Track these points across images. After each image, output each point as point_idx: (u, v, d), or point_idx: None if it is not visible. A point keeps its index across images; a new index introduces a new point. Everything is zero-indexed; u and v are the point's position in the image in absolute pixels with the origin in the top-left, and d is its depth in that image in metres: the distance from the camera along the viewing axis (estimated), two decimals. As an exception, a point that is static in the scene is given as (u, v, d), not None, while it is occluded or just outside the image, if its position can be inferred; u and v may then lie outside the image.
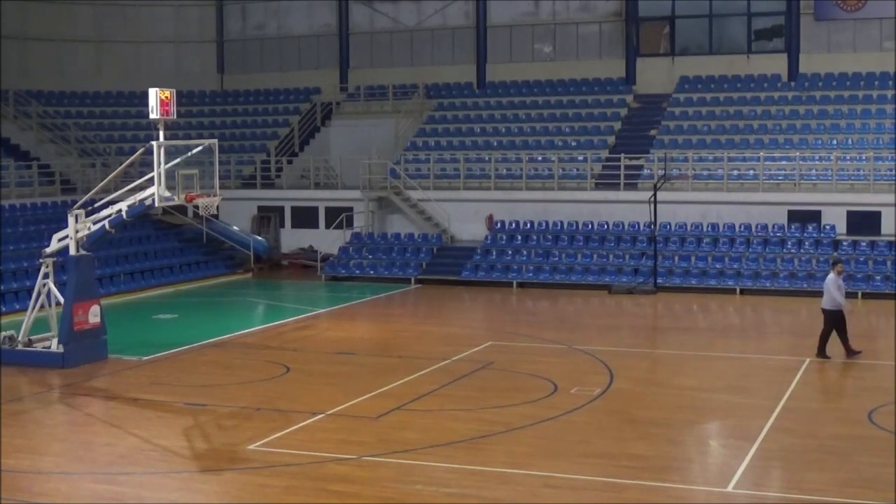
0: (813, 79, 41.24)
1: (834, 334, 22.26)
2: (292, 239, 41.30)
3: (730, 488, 14.14)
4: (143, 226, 37.85)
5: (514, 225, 37.69)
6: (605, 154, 39.75)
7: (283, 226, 41.46)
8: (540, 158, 39.82)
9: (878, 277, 32.36)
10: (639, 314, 30.11)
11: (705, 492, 14.21)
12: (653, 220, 34.28)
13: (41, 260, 23.74)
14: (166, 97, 22.24)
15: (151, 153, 22.29)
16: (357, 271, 37.54)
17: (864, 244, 33.75)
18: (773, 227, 35.08)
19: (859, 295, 31.54)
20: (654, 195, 34.01)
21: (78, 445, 16.97)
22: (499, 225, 37.97)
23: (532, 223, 37.49)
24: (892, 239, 33.62)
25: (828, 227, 34.67)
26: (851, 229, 34.72)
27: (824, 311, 22.38)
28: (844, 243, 34.01)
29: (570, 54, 44.97)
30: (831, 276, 22.45)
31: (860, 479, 14.38)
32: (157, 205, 22.92)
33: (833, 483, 14.22)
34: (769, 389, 19.80)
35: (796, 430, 16.94)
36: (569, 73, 44.52)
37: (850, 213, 34.87)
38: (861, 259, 33.18)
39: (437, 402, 19.21)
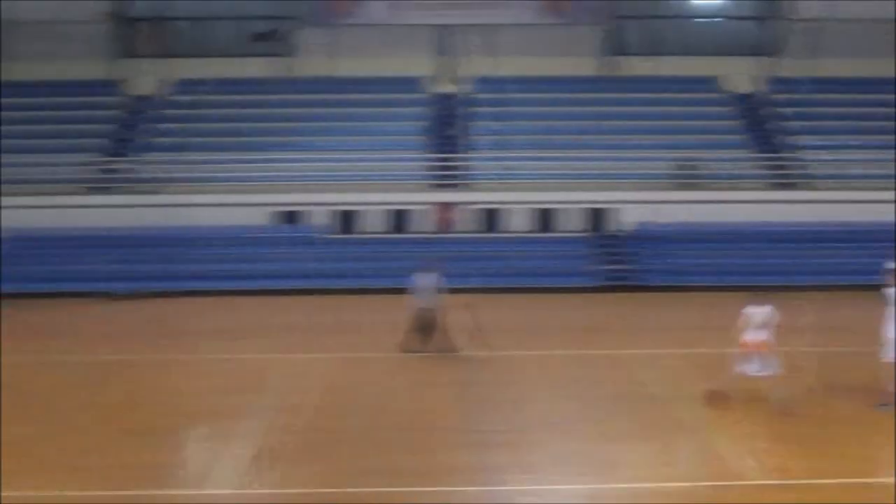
0: (312, 82, 42.19)
1: None
2: None
3: (219, 489, 13.95)
4: None
5: None
6: (97, 157, 38.53)
7: None
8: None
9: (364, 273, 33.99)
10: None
11: (191, 495, 13.86)
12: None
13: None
14: None
15: None
16: None
17: (351, 242, 35.40)
18: (259, 227, 35.78)
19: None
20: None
21: None
22: None
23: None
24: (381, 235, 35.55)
25: (310, 226, 35.93)
26: (341, 228, 36.44)
27: None
28: (330, 242, 35.57)
29: (54, 54, 42.19)
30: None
31: (346, 471, 14.62)
32: None
33: (321, 475, 14.34)
34: (271, 389, 19.76)
35: (292, 426, 16.93)
36: (54, 75, 41.77)
37: (335, 213, 36.46)
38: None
39: None
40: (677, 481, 13.85)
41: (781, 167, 38.71)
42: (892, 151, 38.66)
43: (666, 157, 38.29)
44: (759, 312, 16.78)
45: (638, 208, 36.83)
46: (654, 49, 43.88)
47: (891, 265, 18.68)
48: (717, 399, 17.38)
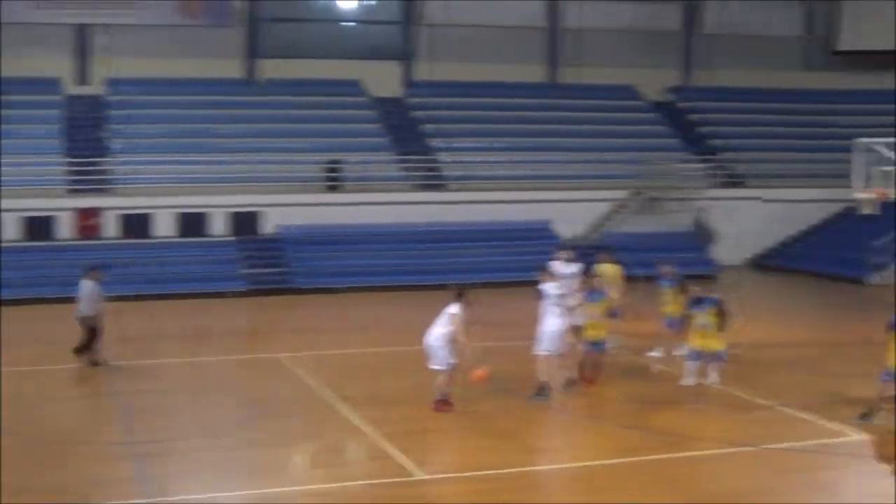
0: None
1: None
2: None
3: None
4: None
5: None
6: None
7: None
8: None
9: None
10: None
11: None
12: None
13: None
14: None
15: None
16: None
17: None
18: None
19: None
20: None
21: None
22: None
23: None
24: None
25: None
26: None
27: None
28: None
29: None
30: None
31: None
32: None
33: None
34: None
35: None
36: None
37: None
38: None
39: None
40: (336, 482, 14.21)
41: (423, 169, 40.06)
42: (526, 153, 41.14)
43: (311, 161, 38.73)
44: (452, 311, 17.28)
45: (285, 211, 37.03)
46: (297, 52, 44.19)
47: (547, 264, 20.04)
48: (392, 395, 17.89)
